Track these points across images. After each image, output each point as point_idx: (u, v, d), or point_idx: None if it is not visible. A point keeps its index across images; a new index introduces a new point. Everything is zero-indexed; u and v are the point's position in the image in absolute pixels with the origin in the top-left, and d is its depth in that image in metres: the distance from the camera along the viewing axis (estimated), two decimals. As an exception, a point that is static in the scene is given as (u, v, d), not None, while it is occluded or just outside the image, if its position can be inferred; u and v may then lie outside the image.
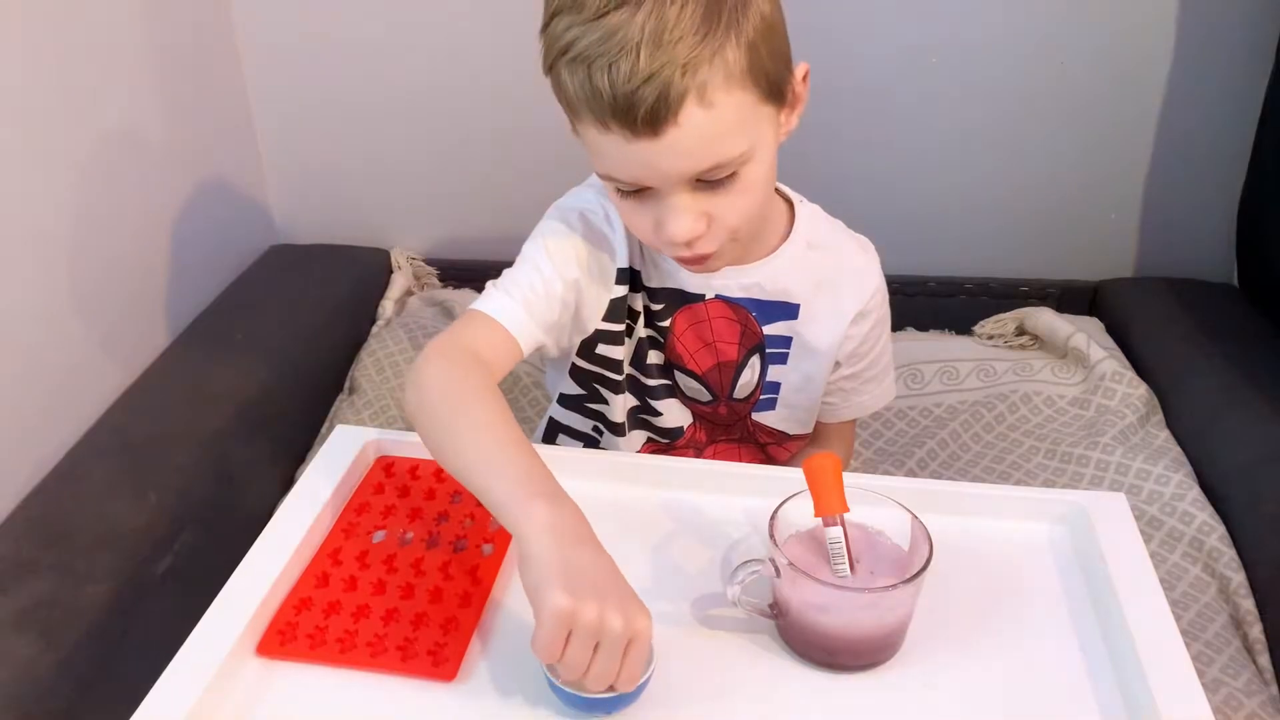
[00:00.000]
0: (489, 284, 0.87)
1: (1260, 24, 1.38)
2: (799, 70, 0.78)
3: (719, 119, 0.71)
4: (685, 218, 0.76)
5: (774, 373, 0.93)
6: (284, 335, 1.37)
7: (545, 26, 0.73)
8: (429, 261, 1.65)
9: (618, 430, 0.96)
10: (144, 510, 1.05)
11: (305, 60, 1.53)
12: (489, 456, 0.71)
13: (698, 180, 0.74)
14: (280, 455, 1.25)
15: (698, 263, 0.82)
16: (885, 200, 1.53)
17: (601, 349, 0.91)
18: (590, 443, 0.99)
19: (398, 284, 1.59)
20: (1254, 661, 1.01)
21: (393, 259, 1.63)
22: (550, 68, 0.73)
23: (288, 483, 1.22)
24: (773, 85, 0.74)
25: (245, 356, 1.32)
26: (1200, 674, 0.67)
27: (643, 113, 0.69)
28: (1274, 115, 1.35)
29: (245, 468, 1.19)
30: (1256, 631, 1.04)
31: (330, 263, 1.59)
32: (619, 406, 0.94)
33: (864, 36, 1.45)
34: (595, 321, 0.90)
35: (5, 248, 1.05)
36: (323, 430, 1.33)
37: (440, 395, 0.76)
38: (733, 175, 0.75)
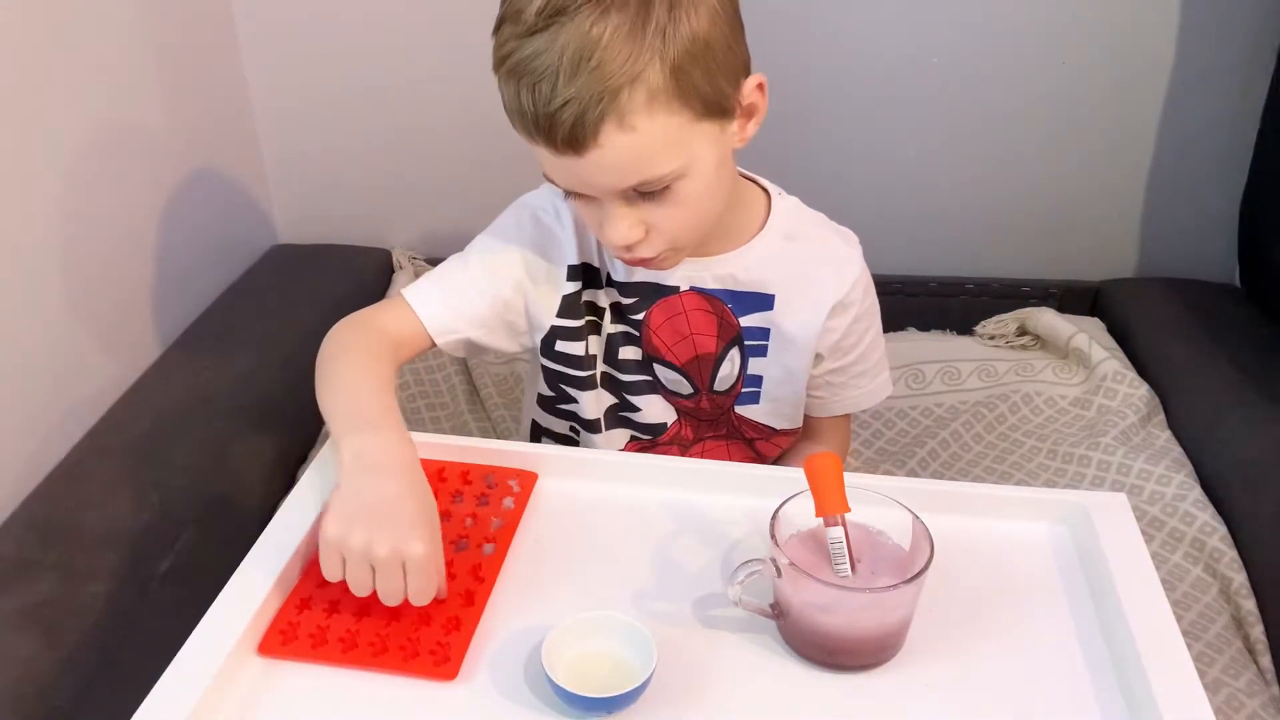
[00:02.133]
0: (427, 274, 0.91)
1: (1262, 23, 1.38)
2: (751, 82, 0.77)
3: (641, 142, 0.72)
4: (621, 225, 0.78)
5: (754, 365, 0.93)
6: (285, 335, 1.37)
7: (495, 29, 0.74)
8: (430, 261, 1.65)
9: (592, 427, 0.96)
10: (145, 510, 1.05)
11: (307, 60, 1.53)
12: (337, 397, 0.78)
13: (633, 190, 0.76)
14: (282, 455, 1.25)
15: (642, 265, 0.84)
16: (887, 200, 1.53)
17: (560, 345, 0.92)
18: (570, 444, 0.99)
19: (399, 283, 1.59)
20: (1255, 662, 1.01)
21: (394, 259, 1.63)
22: (495, 70, 0.74)
23: (289, 482, 1.22)
24: (709, 104, 0.74)
25: (246, 356, 1.32)
26: (1201, 674, 0.67)
27: (562, 134, 0.71)
28: (1276, 115, 1.35)
29: (247, 467, 1.19)
30: (1258, 632, 1.04)
31: (331, 262, 1.59)
32: (590, 403, 0.95)
33: (866, 37, 1.45)
34: (550, 318, 0.91)
35: (5, 247, 1.05)
36: (324, 430, 1.33)
37: (329, 352, 0.83)
38: (668, 188, 0.76)
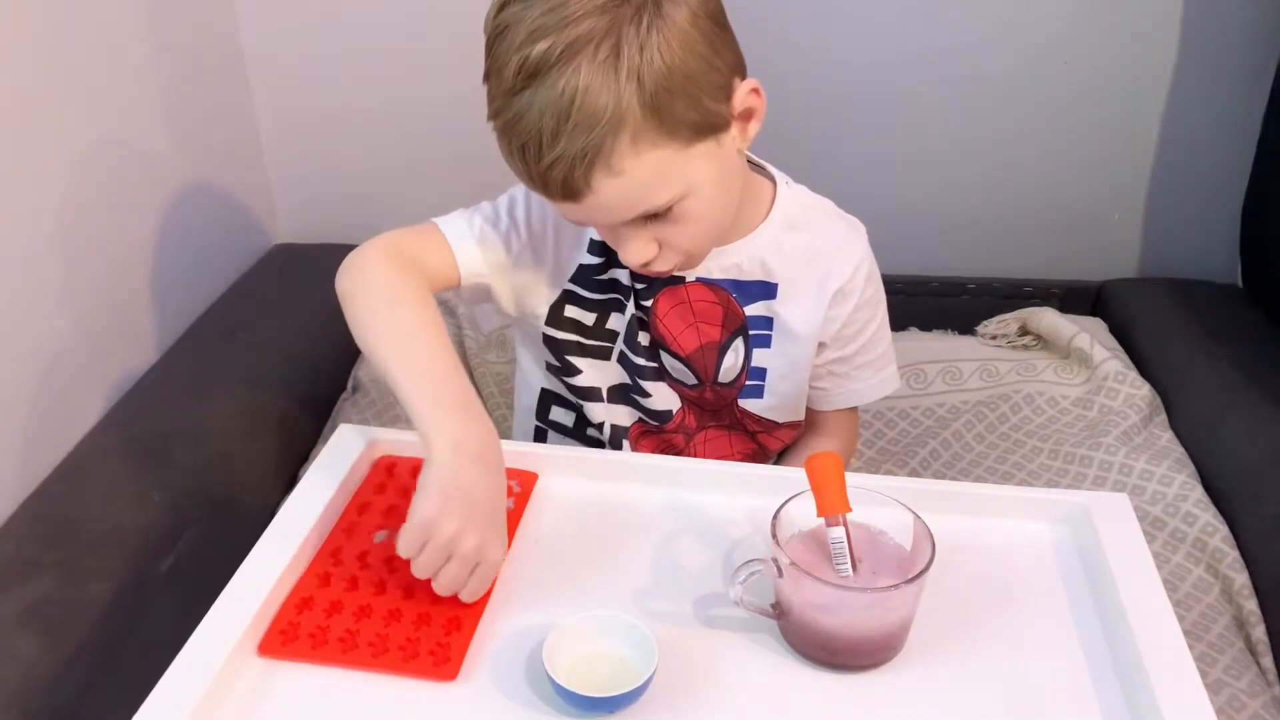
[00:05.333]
0: (460, 210, 0.91)
1: (1264, 24, 1.38)
2: (744, 87, 0.77)
3: (633, 182, 0.73)
4: (633, 246, 0.79)
5: (759, 358, 0.93)
6: (287, 334, 1.37)
7: (484, 79, 0.75)
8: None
9: (590, 396, 0.96)
10: (147, 509, 1.05)
11: (309, 60, 1.53)
12: (414, 361, 0.76)
13: (639, 218, 0.77)
14: (283, 454, 1.25)
15: (661, 276, 0.85)
16: (889, 200, 1.53)
17: (570, 311, 0.93)
18: (578, 413, 0.99)
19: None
20: (1257, 662, 1.01)
21: (396, 258, 1.63)
22: (488, 119, 0.75)
23: (291, 482, 1.22)
24: (697, 127, 0.74)
25: (248, 355, 1.32)
26: (1203, 675, 0.67)
27: (555, 189, 0.73)
28: (1278, 116, 1.35)
29: (248, 467, 1.19)
30: (1260, 633, 1.04)
31: (333, 262, 1.55)
32: (591, 372, 0.95)
33: (868, 37, 1.45)
34: (562, 284, 0.92)
35: (9, 247, 1.05)
36: (325, 429, 1.33)
37: (382, 291, 0.81)
38: (672, 209, 0.77)
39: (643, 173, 0.73)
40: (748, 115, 0.79)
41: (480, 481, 0.71)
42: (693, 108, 0.73)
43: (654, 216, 0.77)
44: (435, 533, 0.68)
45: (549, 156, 0.71)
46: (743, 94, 0.77)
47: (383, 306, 0.81)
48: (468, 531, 0.68)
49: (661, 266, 0.82)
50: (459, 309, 1.49)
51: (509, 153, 0.74)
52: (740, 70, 0.78)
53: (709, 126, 0.75)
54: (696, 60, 0.72)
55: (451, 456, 0.70)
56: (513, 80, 0.70)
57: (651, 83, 0.70)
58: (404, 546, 0.69)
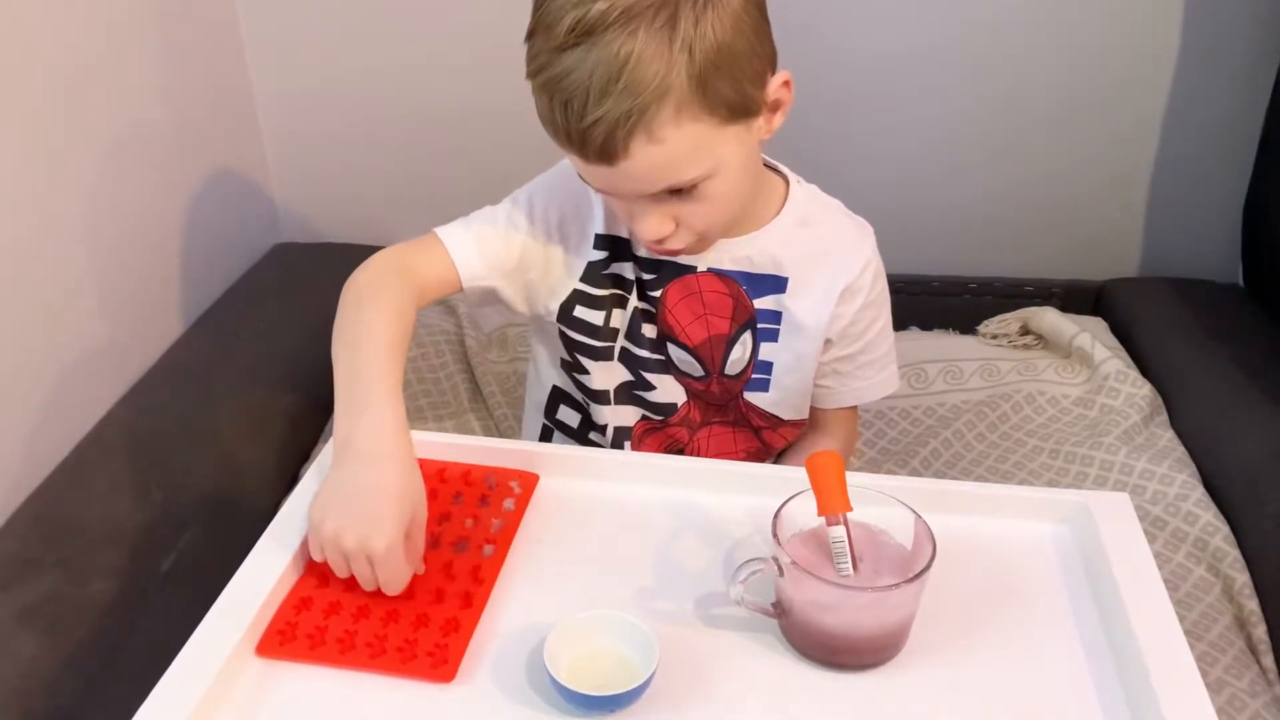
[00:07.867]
0: (461, 218, 0.92)
1: (1266, 22, 1.38)
2: (776, 79, 0.79)
3: (670, 151, 0.74)
4: (651, 220, 0.80)
5: (766, 351, 0.94)
6: (289, 333, 1.37)
7: (528, 36, 0.76)
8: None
9: (600, 399, 0.97)
10: (148, 508, 1.05)
11: (311, 59, 1.53)
12: (346, 368, 0.79)
13: (663, 191, 0.78)
14: (284, 454, 1.25)
15: (671, 254, 0.86)
16: (889, 199, 1.52)
17: (579, 312, 0.93)
18: (584, 414, 1.00)
19: (401, 282, 1.59)
20: (1258, 662, 1.01)
21: (397, 258, 1.63)
22: (528, 78, 0.76)
23: (292, 481, 1.22)
24: (735, 108, 0.76)
25: (250, 354, 1.32)
26: (1204, 675, 0.67)
27: (593, 149, 0.74)
28: (1279, 114, 1.34)
29: (249, 466, 1.19)
30: (1260, 632, 1.04)
31: (335, 261, 1.57)
32: (600, 375, 0.96)
33: (869, 35, 1.45)
34: (574, 281, 0.92)
35: (11, 246, 1.05)
36: (327, 428, 1.33)
37: (355, 294, 0.84)
38: (696, 187, 0.78)
39: (679, 144, 0.74)
40: (775, 106, 0.81)
41: (355, 477, 0.72)
42: (734, 88, 0.75)
43: (677, 192, 0.78)
44: (320, 536, 0.70)
45: (592, 115, 0.72)
46: (775, 85, 0.79)
47: (349, 310, 0.83)
48: (345, 529, 0.69)
49: (674, 245, 0.83)
50: (460, 308, 1.49)
51: (547, 110, 0.75)
52: (774, 62, 0.80)
53: (744, 110, 0.77)
54: (744, 43, 0.74)
55: (336, 458, 0.74)
56: (564, 36, 0.71)
57: (701, 57, 0.72)
58: (311, 552, 0.72)
